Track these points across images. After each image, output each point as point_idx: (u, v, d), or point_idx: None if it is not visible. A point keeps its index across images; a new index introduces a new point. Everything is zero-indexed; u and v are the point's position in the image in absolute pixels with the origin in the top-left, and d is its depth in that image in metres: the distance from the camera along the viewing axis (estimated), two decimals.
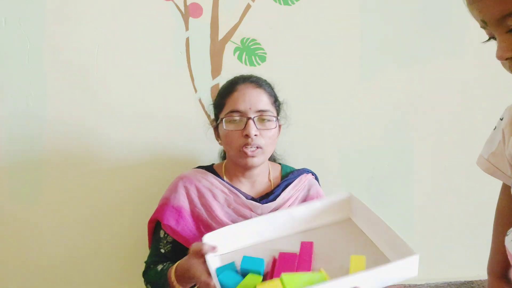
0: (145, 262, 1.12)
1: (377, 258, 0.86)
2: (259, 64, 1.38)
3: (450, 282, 1.51)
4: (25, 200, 1.32)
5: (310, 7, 1.39)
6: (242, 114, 1.06)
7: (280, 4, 1.38)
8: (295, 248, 0.92)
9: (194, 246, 0.91)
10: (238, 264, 0.88)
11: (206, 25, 1.35)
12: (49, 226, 1.34)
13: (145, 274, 1.10)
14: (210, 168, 1.19)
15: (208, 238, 0.93)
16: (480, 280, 1.51)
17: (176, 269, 0.97)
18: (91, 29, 1.31)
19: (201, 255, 0.88)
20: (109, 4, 1.31)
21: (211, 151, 1.37)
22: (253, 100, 1.07)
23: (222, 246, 0.94)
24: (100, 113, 1.33)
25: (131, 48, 1.33)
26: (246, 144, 1.05)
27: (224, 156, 1.27)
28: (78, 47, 1.31)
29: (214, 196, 1.10)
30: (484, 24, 0.59)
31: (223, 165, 1.18)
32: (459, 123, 1.49)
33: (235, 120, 1.06)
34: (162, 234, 1.10)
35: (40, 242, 1.34)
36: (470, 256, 1.52)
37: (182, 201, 1.10)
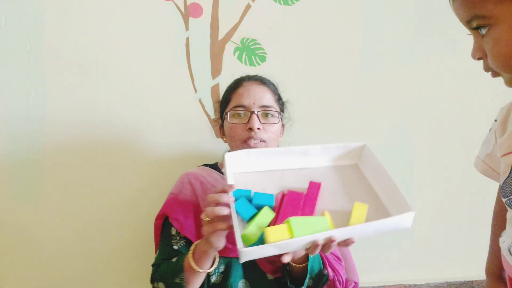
0: (153, 264, 1.07)
1: (377, 207, 0.91)
2: (259, 64, 1.38)
3: (450, 282, 1.51)
4: (25, 200, 1.32)
5: (310, 7, 1.39)
6: (246, 108, 1.09)
7: (280, 4, 1.38)
8: (303, 183, 0.96)
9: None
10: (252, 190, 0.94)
11: (206, 25, 1.36)
12: (49, 226, 1.33)
13: (154, 274, 1.04)
14: (214, 166, 1.20)
15: (229, 156, 0.98)
16: (480, 280, 1.51)
17: (195, 245, 0.95)
18: (91, 29, 1.31)
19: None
20: (109, 4, 1.31)
21: (211, 151, 1.37)
22: (257, 95, 1.10)
23: (239, 166, 1.00)
24: (100, 113, 1.33)
25: (131, 48, 1.33)
26: (249, 138, 1.07)
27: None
28: (78, 47, 1.31)
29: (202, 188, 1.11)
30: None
31: None
32: (460, 123, 1.49)
33: (239, 114, 1.10)
34: (173, 231, 1.08)
35: (40, 242, 1.34)
36: (470, 256, 1.52)
37: (189, 196, 1.10)
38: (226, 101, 1.15)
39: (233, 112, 1.10)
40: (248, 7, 1.36)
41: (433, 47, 1.46)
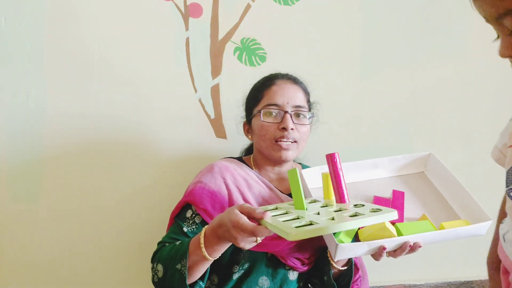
0: (159, 242, 1.03)
1: (448, 213, 1.02)
2: (259, 64, 1.38)
3: (450, 282, 1.51)
4: (25, 200, 1.32)
5: (310, 7, 1.39)
6: (279, 107, 1.08)
7: (280, 4, 1.38)
8: (376, 193, 1.07)
9: (243, 206, 0.83)
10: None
11: (206, 25, 1.35)
12: (49, 226, 1.33)
13: (156, 253, 0.99)
14: (240, 159, 1.18)
15: (305, 173, 1.06)
16: (480, 280, 1.51)
17: (205, 231, 0.89)
18: (91, 29, 1.31)
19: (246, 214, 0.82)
20: (109, 4, 1.31)
21: (212, 150, 1.37)
22: (291, 95, 1.09)
23: (311, 181, 1.06)
24: (100, 113, 1.33)
25: (131, 48, 1.33)
26: (282, 137, 1.06)
27: (245, 153, 1.28)
28: (78, 47, 1.31)
29: (249, 187, 1.09)
30: (487, 21, 0.60)
31: (251, 158, 1.18)
32: (460, 123, 1.49)
33: (272, 113, 1.08)
34: (189, 214, 1.04)
35: (40, 242, 1.34)
36: (470, 256, 1.52)
37: (218, 185, 1.06)
38: (257, 99, 1.12)
39: (266, 110, 1.08)
40: (248, 7, 1.36)
41: (433, 47, 1.46)
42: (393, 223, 0.95)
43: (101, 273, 1.37)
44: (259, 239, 0.83)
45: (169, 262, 0.93)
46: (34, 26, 1.29)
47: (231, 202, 1.05)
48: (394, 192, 1.05)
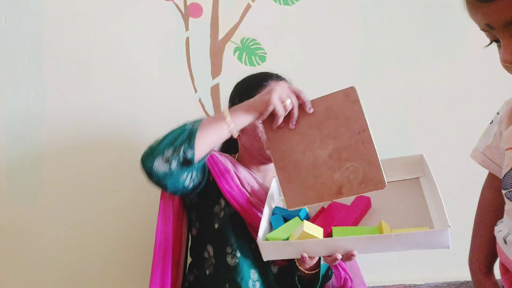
0: None
1: (420, 223, 0.90)
2: (259, 64, 1.38)
3: (450, 282, 1.51)
4: (24, 199, 1.32)
5: (310, 7, 1.39)
6: None
7: (280, 4, 1.38)
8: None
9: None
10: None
11: (206, 25, 1.36)
12: (48, 226, 1.34)
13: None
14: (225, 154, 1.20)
15: (276, 180, 1.04)
16: None
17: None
18: (91, 29, 1.31)
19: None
20: (109, 4, 1.31)
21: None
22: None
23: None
24: (100, 113, 1.33)
25: (131, 48, 1.33)
26: None
27: (221, 149, 1.26)
28: (78, 47, 1.31)
29: (237, 170, 1.11)
30: (489, 28, 0.59)
31: (236, 157, 1.19)
32: (460, 123, 1.49)
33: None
34: None
35: (40, 241, 1.34)
36: None
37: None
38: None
39: None
40: (248, 7, 1.36)
41: (432, 47, 1.46)
42: (336, 225, 0.90)
43: (100, 273, 1.37)
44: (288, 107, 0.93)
45: (175, 130, 0.92)
46: (34, 26, 1.29)
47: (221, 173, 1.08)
48: (358, 197, 0.98)
